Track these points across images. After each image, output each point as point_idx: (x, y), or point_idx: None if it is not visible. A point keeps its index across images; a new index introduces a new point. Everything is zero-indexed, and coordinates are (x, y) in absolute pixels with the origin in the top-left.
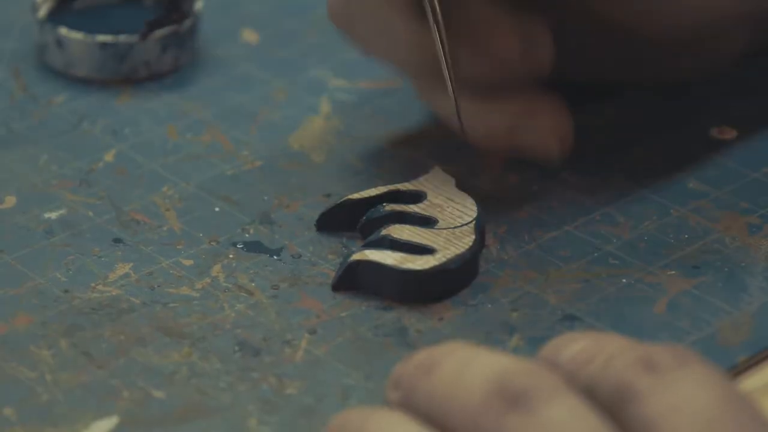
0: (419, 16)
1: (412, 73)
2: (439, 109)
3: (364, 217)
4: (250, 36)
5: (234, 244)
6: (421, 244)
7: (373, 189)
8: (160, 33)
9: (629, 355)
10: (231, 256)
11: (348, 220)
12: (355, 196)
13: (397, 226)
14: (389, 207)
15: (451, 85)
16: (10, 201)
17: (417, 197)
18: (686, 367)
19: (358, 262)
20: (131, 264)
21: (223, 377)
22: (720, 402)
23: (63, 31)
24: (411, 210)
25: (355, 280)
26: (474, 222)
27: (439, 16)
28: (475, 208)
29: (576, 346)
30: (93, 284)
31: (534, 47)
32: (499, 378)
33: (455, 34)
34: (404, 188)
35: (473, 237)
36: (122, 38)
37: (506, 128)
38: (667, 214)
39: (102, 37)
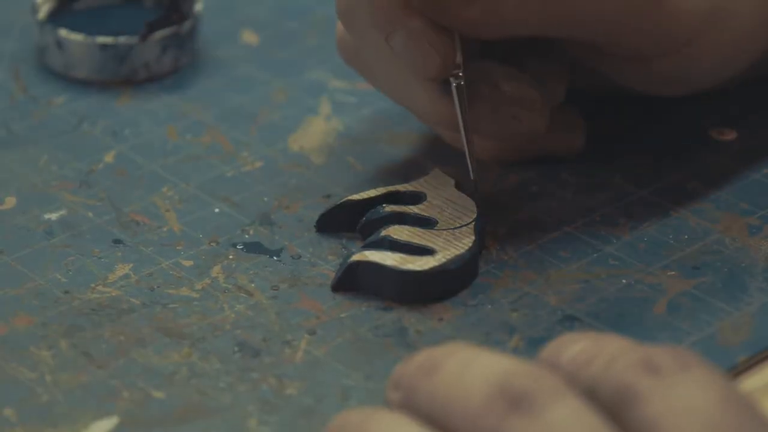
0: (441, 87)
1: (427, 123)
2: (452, 141)
3: (364, 218)
4: (250, 37)
5: (234, 245)
6: (421, 245)
7: (373, 190)
8: (160, 34)
9: (630, 357)
10: (231, 256)
11: (348, 221)
12: (355, 197)
13: (396, 227)
14: (389, 208)
15: (472, 164)
16: (11, 202)
17: (417, 198)
18: (687, 369)
19: (358, 263)
20: (131, 265)
21: (223, 378)
22: (721, 404)
23: (63, 32)
24: (410, 211)
25: (355, 281)
26: (473, 223)
27: (465, 99)
28: (474, 209)
29: (576, 347)
30: (93, 285)
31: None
32: (501, 380)
33: (482, 107)
34: (404, 189)
35: (473, 238)
36: (122, 39)
37: (520, 145)
38: (667, 214)
39: (102, 39)
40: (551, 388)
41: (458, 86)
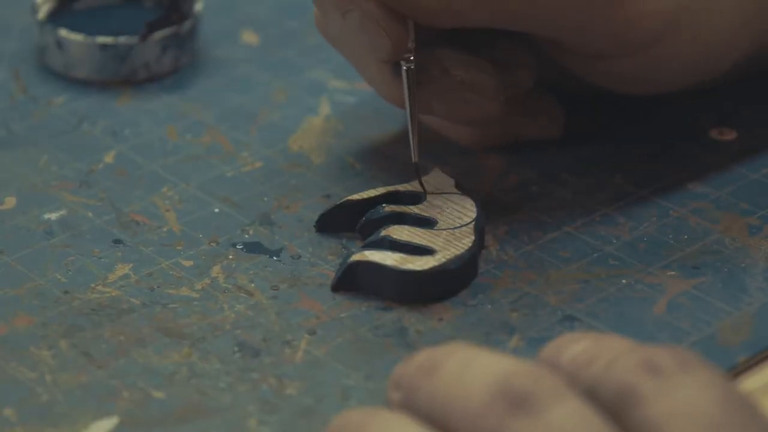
0: (393, 68)
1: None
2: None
3: (364, 218)
4: (249, 37)
5: (234, 245)
6: (421, 245)
7: (372, 190)
8: (160, 34)
9: (631, 358)
10: (231, 256)
11: (347, 221)
12: (355, 197)
13: (396, 226)
14: (389, 208)
15: (414, 147)
16: (11, 202)
17: (416, 198)
18: (689, 370)
19: (358, 263)
20: (131, 265)
21: (223, 378)
22: (723, 405)
23: (63, 32)
24: (410, 211)
25: (355, 281)
26: (473, 223)
27: (413, 83)
28: (474, 208)
29: (577, 348)
30: (93, 285)
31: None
32: (501, 380)
33: (434, 90)
34: (403, 189)
35: (472, 238)
36: (122, 39)
37: (495, 131)
38: (667, 215)
39: (102, 39)
40: (552, 388)
41: (408, 70)
